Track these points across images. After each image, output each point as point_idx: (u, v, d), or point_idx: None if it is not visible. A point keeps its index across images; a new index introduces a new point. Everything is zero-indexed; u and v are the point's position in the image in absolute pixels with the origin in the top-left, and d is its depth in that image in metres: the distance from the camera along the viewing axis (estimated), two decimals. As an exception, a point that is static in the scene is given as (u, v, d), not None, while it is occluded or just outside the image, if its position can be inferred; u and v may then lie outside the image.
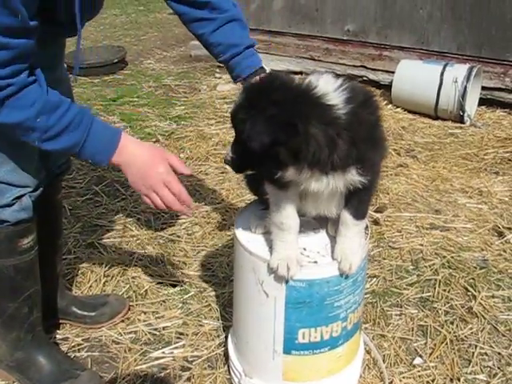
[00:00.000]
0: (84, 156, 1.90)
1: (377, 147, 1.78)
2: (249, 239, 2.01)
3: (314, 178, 1.71)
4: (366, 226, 2.08)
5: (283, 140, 1.59)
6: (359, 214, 1.87)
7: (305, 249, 1.97)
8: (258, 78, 1.91)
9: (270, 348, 2.01)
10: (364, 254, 2.00)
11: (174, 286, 2.87)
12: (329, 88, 1.68)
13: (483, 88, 4.92)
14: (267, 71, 2.24)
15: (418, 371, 2.36)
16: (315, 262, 1.92)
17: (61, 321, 2.62)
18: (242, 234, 2.04)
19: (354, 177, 1.72)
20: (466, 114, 4.66)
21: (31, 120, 1.78)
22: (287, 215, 1.86)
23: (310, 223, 2.07)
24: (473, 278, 2.87)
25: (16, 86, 1.73)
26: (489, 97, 4.96)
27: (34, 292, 2.21)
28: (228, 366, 2.34)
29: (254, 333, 2.08)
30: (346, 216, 1.87)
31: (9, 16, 1.63)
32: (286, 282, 1.87)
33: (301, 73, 5.73)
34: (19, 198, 2.00)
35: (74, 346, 2.52)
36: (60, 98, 1.85)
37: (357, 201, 1.84)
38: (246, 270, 1.97)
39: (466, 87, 4.59)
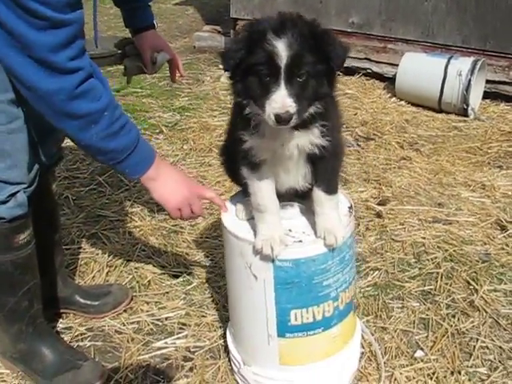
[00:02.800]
0: (125, 164, 1.94)
1: (335, 109, 1.87)
2: (235, 225, 2.06)
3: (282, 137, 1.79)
4: (351, 206, 2.12)
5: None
6: (330, 189, 1.93)
7: (290, 230, 2.01)
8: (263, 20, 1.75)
9: (265, 332, 2.03)
10: (350, 232, 2.03)
11: (177, 276, 2.88)
12: None
13: (487, 81, 4.91)
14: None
15: (419, 364, 2.37)
16: (300, 242, 1.96)
17: (64, 310, 2.64)
18: (228, 221, 2.08)
19: (316, 138, 1.79)
20: (469, 108, 4.65)
21: (99, 113, 1.82)
22: (262, 196, 1.93)
23: (295, 207, 2.12)
24: (475, 272, 2.87)
25: (85, 72, 1.76)
26: (493, 90, 4.96)
27: (34, 285, 2.22)
28: (229, 357, 2.36)
29: (248, 318, 2.10)
30: (319, 193, 1.92)
31: None
32: (272, 261, 1.90)
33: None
34: (14, 194, 2.00)
35: (77, 336, 2.54)
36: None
37: (324, 175, 1.90)
38: (234, 255, 2.01)
39: (470, 80, 4.58)
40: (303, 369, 2.10)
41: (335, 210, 1.96)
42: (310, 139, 1.80)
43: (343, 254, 1.99)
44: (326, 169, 1.90)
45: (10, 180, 1.98)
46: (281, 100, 1.60)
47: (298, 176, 1.96)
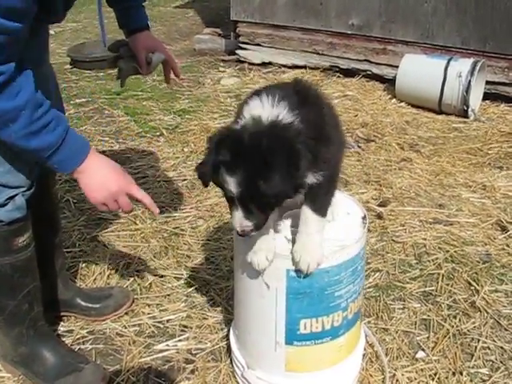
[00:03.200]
0: (52, 161, 1.89)
1: (327, 145, 1.79)
2: None
3: None
4: (364, 216, 2.10)
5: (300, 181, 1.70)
6: (319, 209, 1.88)
7: None
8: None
9: (272, 339, 2.03)
10: (363, 243, 2.02)
11: (178, 279, 2.89)
12: (275, 111, 1.71)
13: (487, 82, 4.91)
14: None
15: (421, 365, 2.37)
16: None
17: (66, 313, 2.64)
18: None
19: (308, 179, 1.76)
20: (469, 109, 4.65)
21: (15, 111, 1.75)
22: None
23: None
24: (476, 273, 2.87)
25: (6, 75, 1.71)
26: (493, 91, 4.96)
27: (34, 288, 2.22)
28: (231, 359, 2.36)
29: (256, 325, 2.10)
30: (306, 211, 1.88)
31: None
32: (287, 271, 1.89)
33: (305, 67, 5.74)
34: (12, 197, 2.00)
35: (78, 339, 2.54)
36: (43, 96, 1.84)
37: (315, 196, 1.85)
38: (246, 262, 1.97)
39: (470, 81, 4.58)
40: (308, 376, 2.10)
41: (319, 234, 1.91)
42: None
43: (356, 266, 1.99)
44: (317, 192, 1.84)
45: (9, 184, 1.98)
46: (237, 221, 1.72)
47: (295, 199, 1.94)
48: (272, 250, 1.92)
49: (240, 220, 1.72)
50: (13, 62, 1.73)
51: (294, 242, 1.94)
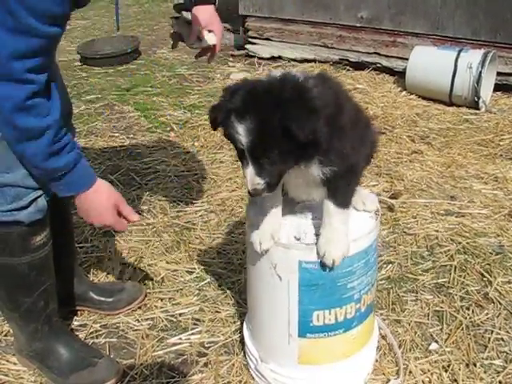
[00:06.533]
0: (63, 182, 1.93)
1: (342, 136, 1.73)
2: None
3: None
4: (377, 210, 2.08)
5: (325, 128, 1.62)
6: (341, 202, 1.84)
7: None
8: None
9: (285, 332, 2.03)
10: (375, 235, 2.01)
11: (191, 273, 2.90)
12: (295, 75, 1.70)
13: (498, 73, 4.87)
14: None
15: (434, 357, 2.37)
16: None
17: (79, 308, 2.65)
18: (254, 219, 2.05)
19: (319, 168, 1.73)
20: (480, 100, 4.62)
21: (41, 130, 1.78)
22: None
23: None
24: (488, 264, 2.86)
25: (37, 86, 1.72)
26: (504, 82, 4.91)
27: (49, 286, 2.24)
28: (244, 352, 2.36)
29: (269, 317, 2.10)
30: (328, 205, 1.84)
31: (59, 4, 1.64)
32: (299, 262, 1.89)
33: (314, 60, 5.72)
34: (35, 199, 2.01)
35: (92, 333, 2.55)
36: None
37: (336, 189, 1.82)
38: (258, 254, 1.97)
39: (480, 73, 4.55)
40: (321, 368, 2.10)
41: (344, 226, 1.88)
42: (313, 172, 1.76)
43: (368, 257, 1.98)
44: (337, 185, 1.81)
45: (32, 185, 1.99)
46: (249, 178, 1.65)
47: (310, 193, 1.94)
48: (277, 231, 1.91)
49: (251, 177, 1.65)
50: (46, 71, 1.75)
51: (306, 233, 1.94)
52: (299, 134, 1.55)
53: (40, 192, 2.02)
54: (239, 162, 1.71)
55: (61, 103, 1.88)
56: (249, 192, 1.68)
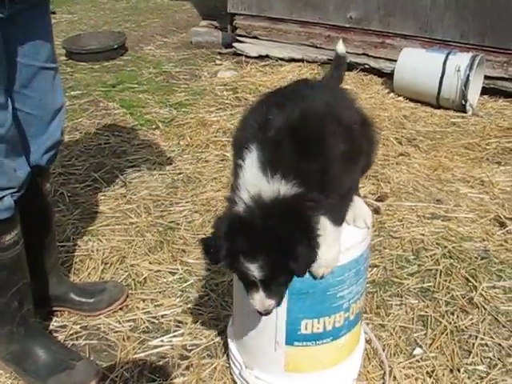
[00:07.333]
0: None
1: (332, 187, 1.75)
2: None
3: None
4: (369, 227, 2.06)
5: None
6: (336, 220, 1.84)
7: None
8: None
9: (272, 339, 2.00)
10: (367, 245, 2.00)
11: (173, 273, 2.86)
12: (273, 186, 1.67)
13: (486, 77, 4.87)
14: None
15: (418, 361, 2.35)
16: None
17: (59, 308, 2.60)
18: None
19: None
20: (468, 104, 4.62)
21: None
22: None
23: None
24: (474, 269, 2.85)
25: None
26: (491, 86, 4.92)
27: (23, 286, 2.19)
28: (227, 355, 2.33)
29: (256, 324, 2.05)
30: (324, 221, 1.82)
31: None
32: None
33: (302, 60, 5.70)
34: (1, 199, 1.98)
35: (72, 334, 2.51)
36: None
37: (332, 208, 1.81)
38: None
39: (468, 76, 4.55)
40: (308, 376, 2.07)
41: (337, 241, 1.88)
42: None
43: (359, 266, 1.96)
44: (333, 205, 1.80)
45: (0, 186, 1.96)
46: (261, 303, 1.73)
47: None
48: None
49: (263, 301, 1.73)
50: None
51: None
52: (300, 273, 1.72)
53: (7, 191, 1.98)
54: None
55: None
56: (259, 312, 1.77)
